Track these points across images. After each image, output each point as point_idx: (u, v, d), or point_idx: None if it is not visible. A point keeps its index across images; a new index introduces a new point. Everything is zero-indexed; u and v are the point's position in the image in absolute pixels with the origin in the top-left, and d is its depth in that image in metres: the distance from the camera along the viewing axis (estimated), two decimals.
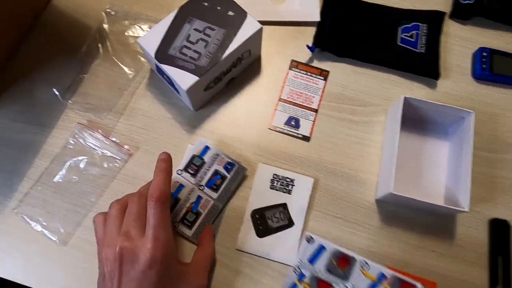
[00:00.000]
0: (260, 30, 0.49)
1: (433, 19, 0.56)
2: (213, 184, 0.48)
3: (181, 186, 0.48)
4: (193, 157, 0.49)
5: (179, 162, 0.49)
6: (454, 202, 0.45)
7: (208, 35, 0.48)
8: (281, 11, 0.58)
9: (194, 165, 0.49)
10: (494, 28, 0.57)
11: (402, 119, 0.48)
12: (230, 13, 0.49)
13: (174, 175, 0.47)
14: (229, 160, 0.49)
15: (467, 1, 0.57)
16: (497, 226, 0.48)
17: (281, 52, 0.56)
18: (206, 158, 0.49)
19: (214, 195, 0.48)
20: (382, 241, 0.47)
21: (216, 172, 0.49)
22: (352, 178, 0.49)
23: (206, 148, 0.49)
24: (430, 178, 0.49)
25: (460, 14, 0.57)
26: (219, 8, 0.49)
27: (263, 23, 0.56)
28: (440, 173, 0.49)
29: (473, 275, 0.46)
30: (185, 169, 0.48)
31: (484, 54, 0.54)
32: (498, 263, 0.46)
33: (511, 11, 0.55)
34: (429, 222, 0.48)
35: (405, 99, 0.47)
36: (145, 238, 0.36)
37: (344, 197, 0.49)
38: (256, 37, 0.49)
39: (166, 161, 0.40)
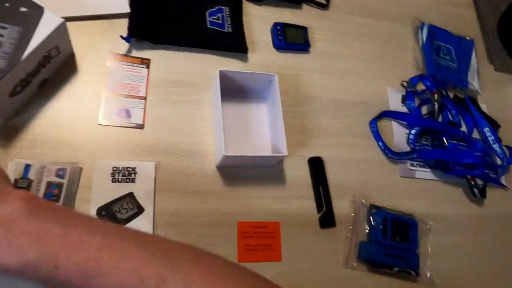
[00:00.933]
0: (63, 25, 0.46)
1: (233, 2, 0.64)
2: (51, 196, 0.45)
3: None
4: (16, 181, 0.44)
5: None
6: (277, 151, 0.54)
7: (1, 35, 0.43)
8: (89, 4, 0.56)
9: (21, 188, 0.44)
10: (283, 6, 0.69)
11: (224, 91, 0.54)
12: (23, 9, 0.45)
13: None
14: (59, 167, 0.46)
15: None
16: (313, 163, 0.59)
17: (97, 47, 0.55)
18: (32, 175, 0.45)
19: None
20: (230, 200, 0.52)
21: (50, 184, 0.45)
22: (191, 153, 0.53)
23: (27, 166, 0.45)
24: (258, 136, 0.57)
25: None
26: (7, 4, 0.44)
27: (71, 19, 0.54)
28: (264, 131, 0.58)
29: (304, 206, 0.56)
30: None
31: (278, 28, 0.65)
32: (320, 191, 0.57)
33: None
34: (263, 174, 0.55)
35: (221, 72, 0.53)
36: None
37: (187, 172, 0.52)
38: (61, 33, 0.47)
39: None
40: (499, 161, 0.71)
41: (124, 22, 0.56)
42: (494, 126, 0.75)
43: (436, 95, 0.69)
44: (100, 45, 0.55)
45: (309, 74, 0.66)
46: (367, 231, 0.56)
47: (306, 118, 0.62)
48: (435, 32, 0.78)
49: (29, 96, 0.48)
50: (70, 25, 0.53)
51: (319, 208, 0.56)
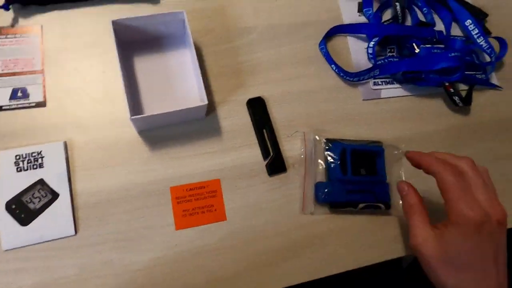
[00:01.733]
0: None
1: None
2: None
3: None
4: None
5: None
6: (203, 99, 0.47)
7: None
8: None
9: None
10: None
11: (131, 44, 0.46)
12: None
13: None
14: None
15: None
16: (253, 104, 0.51)
17: None
18: None
19: None
20: (158, 167, 0.47)
21: None
22: (106, 123, 0.47)
23: None
24: (182, 89, 0.50)
25: None
26: None
27: None
28: (190, 80, 0.50)
29: (248, 156, 0.49)
30: None
31: None
32: (264, 135, 0.50)
33: None
34: (194, 129, 0.49)
35: (113, 22, 0.45)
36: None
37: (104, 144, 0.46)
38: None
39: None
40: (488, 58, 0.60)
41: None
42: (479, 16, 0.62)
43: None
44: None
45: (238, 2, 0.55)
46: (322, 169, 0.50)
47: (240, 55, 0.53)
48: None
49: None
50: None
51: (265, 154, 0.50)
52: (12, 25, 0.48)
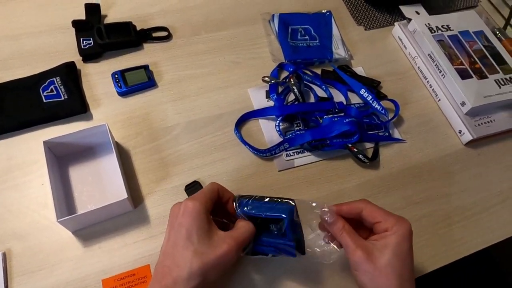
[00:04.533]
0: None
1: (64, 70, 0.65)
2: None
3: None
4: None
5: None
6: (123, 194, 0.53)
7: None
8: None
9: None
10: (122, 54, 0.71)
11: (67, 156, 0.54)
12: None
13: None
14: None
15: (87, 46, 0.69)
16: (192, 189, 0.58)
17: None
18: None
19: None
20: (90, 262, 0.51)
21: None
22: (44, 228, 0.53)
23: None
24: (112, 188, 0.57)
25: (88, 57, 0.68)
26: None
27: None
28: (118, 180, 0.57)
29: None
30: None
31: (116, 76, 0.66)
32: None
33: (122, 41, 0.70)
34: (125, 222, 0.54)
35: (44, 143, 0.54)
36: None
37: (42, 248, 0.51)
38: None
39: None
40: (386, 118, 0.69)
41: None
42: (373, 84, 0.73)
43: (291, 80, 0.68)
44: None
45: (161, 107, 0.66)
46: None
47: (164, 150, 0.62)
48: (287, 19, 0.78)
49: None
50: None
51: None
52: None
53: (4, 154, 0.58)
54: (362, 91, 0.70)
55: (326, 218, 0.46)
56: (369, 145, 0.66)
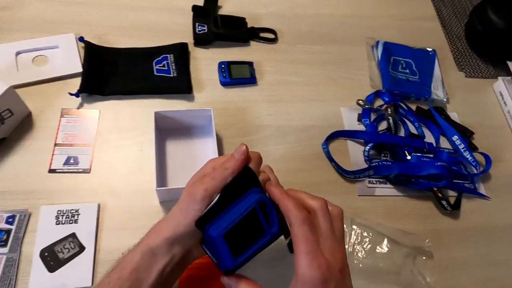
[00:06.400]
0: (10, 90, 0.54)
1: (178, 49, 0.69)
2: (0, 242, 0.49)
3: None
4: None
5: None
6: None
7: None
8: (46, 70, 0.64)
9: None
10: (231, 46, 0.74)
11: (167, 130, 0.57)
12: None
13: None
14: (8, 214, 0.51)
15: (202, 31, 0.72)
16: None
17: (52, 105, 0.61)
18: None
19: (5, 250, 0.49)
20: None
21: None
22: (135, 192, 0.56)
23: None
24: None
25: (200, 42, 0.72)
26: None
27: (31, 84, 0.62)
28: None
29: None
30: None
31: (223, 66, 0.69)
32: None
33: (233, 34, 0.73)
34: None
35: (156, 113, 0.57)
36: None
37: (130, 210, 0.55)
38: (10, 97, 0.54)
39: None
40: (474, 170, 0.67)
41: (78, 81, 0.63)
42: (466, 133, 0.71)
43: (389, 109, 0.68)
44: (55, 102, 0.62)
45: (257, 104, 0.68)
46: None
47: (253, 147, 0.63)
48: (391, 48, 0.78)
49: None
50: (30, 89, 0.62)
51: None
52: (78, 108, 0.62)
53: (112, 114, 0.62)
54: (455, 138, 0.69)
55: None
56: (451, 193, 0.65)
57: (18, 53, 0.64)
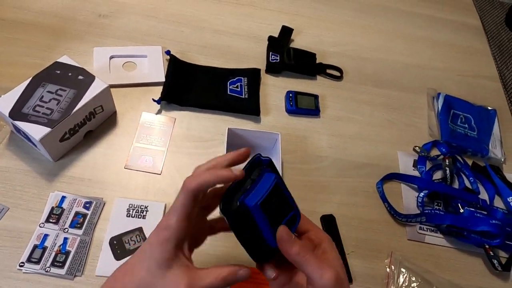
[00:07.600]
0: (107, 89, 0.60)
1: (252, 74, 0.75)
2: (76, 224, 0.54)
3: (45, 236, 0.52)
4: (52, 208, 0.55)
5: (41, 210, 0.54)
6: None
7: (60, 95, 0.57)
8: (134, 76, 0.71)
9: (55, 214, 0.54)
10: (299, 77, 0.78)
11: (234, 146, 0.61)
12: (80, 77, 0.59)
13: (37, 229, 0.52)
14: (87, 200, 0.56)
15: (274, 61, 0.78)
16: (326, 220, 0.61)
17: (135, 108, 0.67)
18: (65, 205, 0.55)
19: (79, 232, 0.53)
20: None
21: (77, 213, 0.55)
22: None
23: (63, 197, 0.56)
24: None
25: (271, 69, 0.77)
26: (70, 74, 0.59)
27: (119, 86, 0.68)
28: None
29: None
30: (47, 220, 0.54)
31: (290, 95, 0.73)
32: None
33: (303, 67, 0.78)
34: None
35: (229, 129, 0.61)
36: None
37: None
38: (104, 96, 0.60)
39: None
40: None
41: (159, 89, 0.69)
42: None
43: (447, 160, 0.69)
44: (138, 106, 0.68)
45: (318, 136, 0.71)
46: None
47: (310, 175, 0.66)
48: (451, 102, 0.80)
49: (75, 143, 0.60)
50: (118, 90, 0.68)
51: None
52: (157, 114, 0.67)
53: (185, 123, 0.67)
54: (510, 199, 0.69)
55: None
56: (502, 254, 0.64)
57: (111, 57, 0.72)
